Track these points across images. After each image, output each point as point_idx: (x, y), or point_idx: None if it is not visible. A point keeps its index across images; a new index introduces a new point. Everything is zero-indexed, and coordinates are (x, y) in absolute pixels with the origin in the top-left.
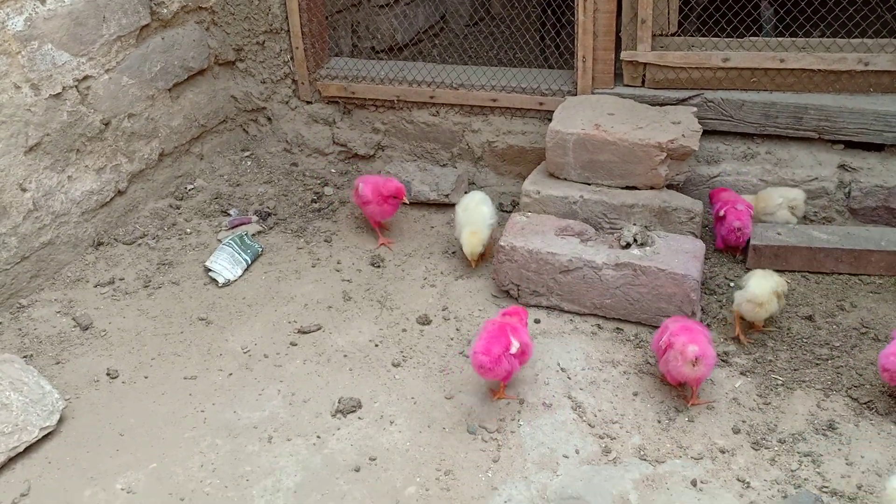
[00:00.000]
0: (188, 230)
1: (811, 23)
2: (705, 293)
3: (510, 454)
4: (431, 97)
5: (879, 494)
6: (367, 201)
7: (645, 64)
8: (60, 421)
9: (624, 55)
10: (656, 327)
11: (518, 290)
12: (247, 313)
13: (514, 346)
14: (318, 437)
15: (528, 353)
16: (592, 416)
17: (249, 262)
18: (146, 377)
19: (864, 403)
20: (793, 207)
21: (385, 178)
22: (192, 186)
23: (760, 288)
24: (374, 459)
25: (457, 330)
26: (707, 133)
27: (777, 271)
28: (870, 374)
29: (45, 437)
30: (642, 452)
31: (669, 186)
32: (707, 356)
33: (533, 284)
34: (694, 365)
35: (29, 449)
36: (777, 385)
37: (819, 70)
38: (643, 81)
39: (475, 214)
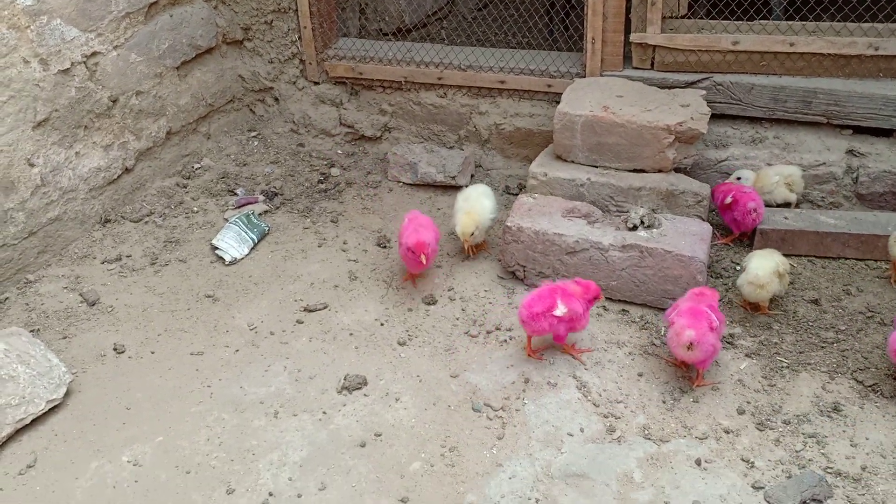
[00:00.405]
0: (195, 209)
1: (821, 6)
2: (711, 276)
3: (515, 432)
4: (439, 79)
5: (885, 476)
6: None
7: (654, 46)
8: (67, 394)
9: (633, 37)
10: (662, 309)
11: (524, 270)
12: (253, 291)
13: (560, 310)
14: (324, 412)
15: (580, 323)
16: (597, 395)
17: (256, 240)
18: (153, 352)
19: (870, 386)
20: (790, 184)
21: (413, 229)
22: (199, 165)
23: (762, 269)
24: (380, 435)
25: (462, 310)
26: (715, 117)
27: (783, 255)
28: (875, 358)
29: (52, 409)
30: (647, 432)
31: (677, 170)
32: (703, 342)
33: (539, 265)
34: (688, 349)
35: (35, 421)
36: (782, 367)
37: (829, 54)
38: (652, 64)
39: (475, 204)
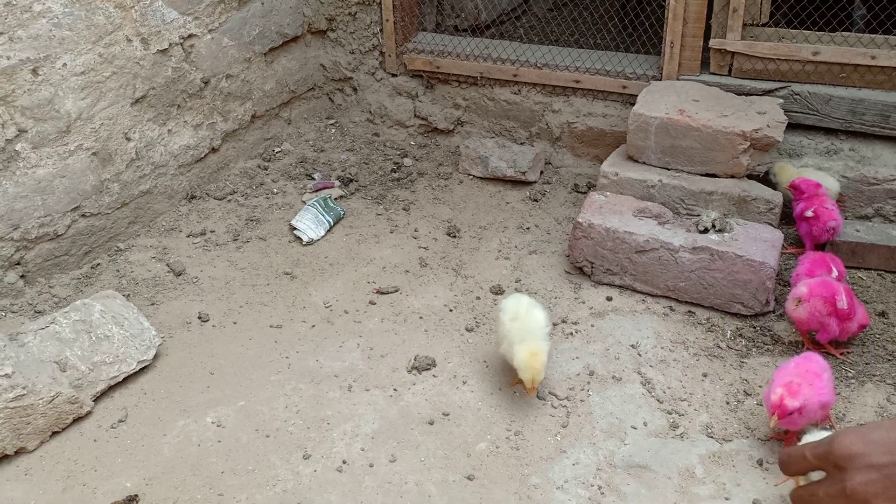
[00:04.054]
0: (275, 190)
1: None
2: (781, 284)
3: (579, 421)
4: (514, 76)
5: None
6: None
7: (733, 53)
8: (156, 357)
9: (712, 43)
10: (729, 313)
11: (592, 267)
12: (329, 271)
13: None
14: (395, 389)
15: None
16: (661, 392)
17: (332, 223)
18: (235, 323)
19: None
20: None
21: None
22: (280, 149)
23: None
24: (447, 415)
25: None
26: (791, 126)
27: (853, 267)
28: None
29: (142, 370)
30: (709, 430)
31: (750, 176)
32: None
33: (607, 263)
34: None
35: (127, 380)
36: (848, 377)
37: None
38: (730, 70)
39: (529, 323)
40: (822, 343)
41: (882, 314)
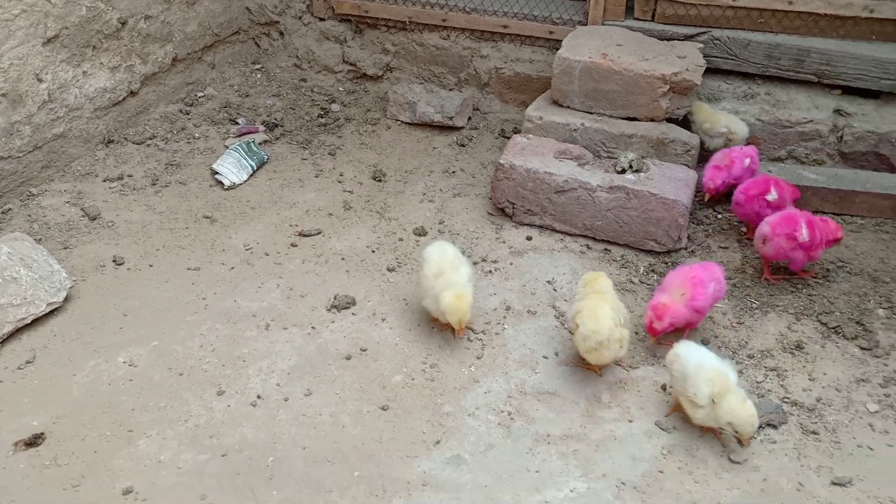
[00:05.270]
0: (196, 135)
1: None
2: (693, 223)
3: (493, 353)
4: (443, 20)
5: (837, 408)
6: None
7: None
8: (67, 299)
9: None
10: (643, 250)
11: (513, 208)
12: (250, 215)
13: (802, 236)
14: (313, 327)
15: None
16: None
17: (255, 168)
18: (151, 266)
19: (833, 328)
20: (730, 140)
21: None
22: (203, 94)
23: None
24: (365, 350)
25: (451, 242)
26: (710, 71)
27: None
28: (841, 303)
29: (52, 312)
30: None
31: (669, 120)
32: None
33: (528, 203)
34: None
35: (36, 322)
36: (753, 308)
37: (825, 14)
38: (653, 16)
39: (454, 278)
40: (795, 272)
41: None
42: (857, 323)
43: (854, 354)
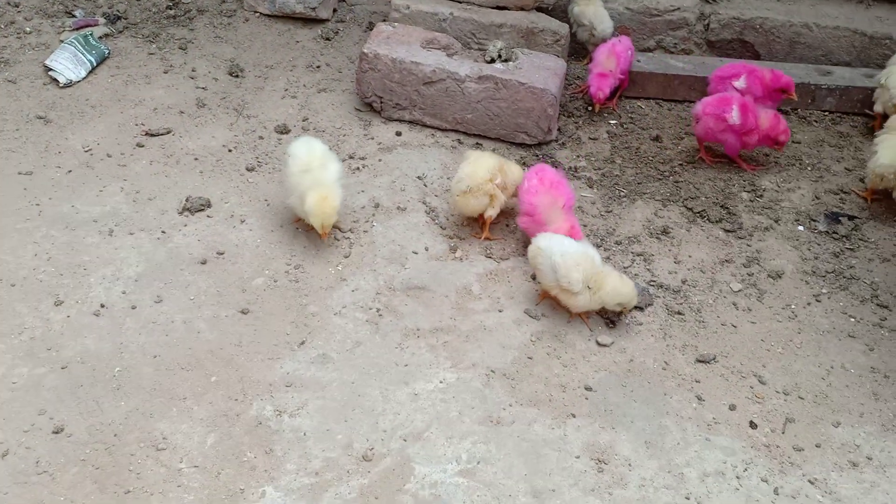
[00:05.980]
0: (27, 29)
1: None
2: (564, 115)
3: (361, 251)
4: None
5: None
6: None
7: None
8: None
9: None
10: (514, 143)
11: (381, 102)
12: (90, 114)
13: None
14: (163, 232)
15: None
16: (444, 219)
17: (95, 63)
18: None
19: (698, 213)
20: (593, 35)
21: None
22: None
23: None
24: (223, 254)
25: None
26: None
27: (633, 98)
28: (706, 189)
29: None
30: (488, 251)
31: (539, 9)
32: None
33: (396, 97)
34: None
35: None
36: (621, 197)
37: None
38: None
39: (323, 176)
40: (731, 157)
41: (657, 138)
42: (721, 206)
43: (718, 237)
